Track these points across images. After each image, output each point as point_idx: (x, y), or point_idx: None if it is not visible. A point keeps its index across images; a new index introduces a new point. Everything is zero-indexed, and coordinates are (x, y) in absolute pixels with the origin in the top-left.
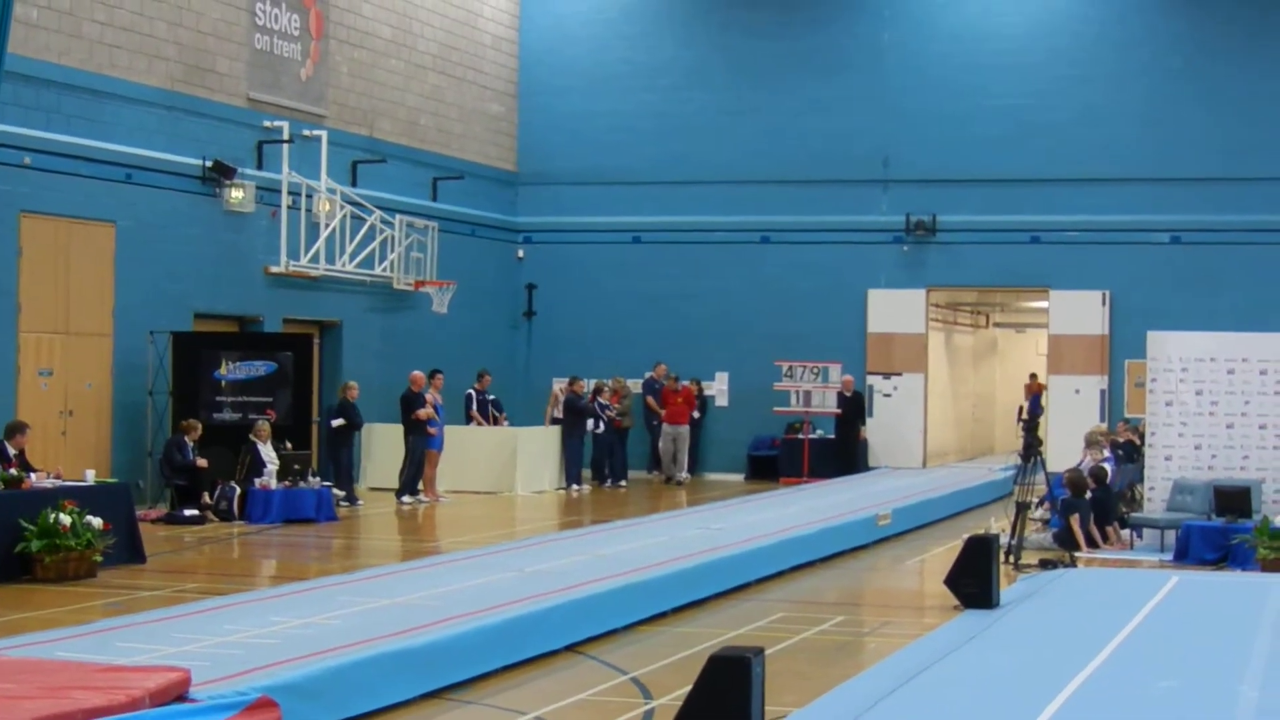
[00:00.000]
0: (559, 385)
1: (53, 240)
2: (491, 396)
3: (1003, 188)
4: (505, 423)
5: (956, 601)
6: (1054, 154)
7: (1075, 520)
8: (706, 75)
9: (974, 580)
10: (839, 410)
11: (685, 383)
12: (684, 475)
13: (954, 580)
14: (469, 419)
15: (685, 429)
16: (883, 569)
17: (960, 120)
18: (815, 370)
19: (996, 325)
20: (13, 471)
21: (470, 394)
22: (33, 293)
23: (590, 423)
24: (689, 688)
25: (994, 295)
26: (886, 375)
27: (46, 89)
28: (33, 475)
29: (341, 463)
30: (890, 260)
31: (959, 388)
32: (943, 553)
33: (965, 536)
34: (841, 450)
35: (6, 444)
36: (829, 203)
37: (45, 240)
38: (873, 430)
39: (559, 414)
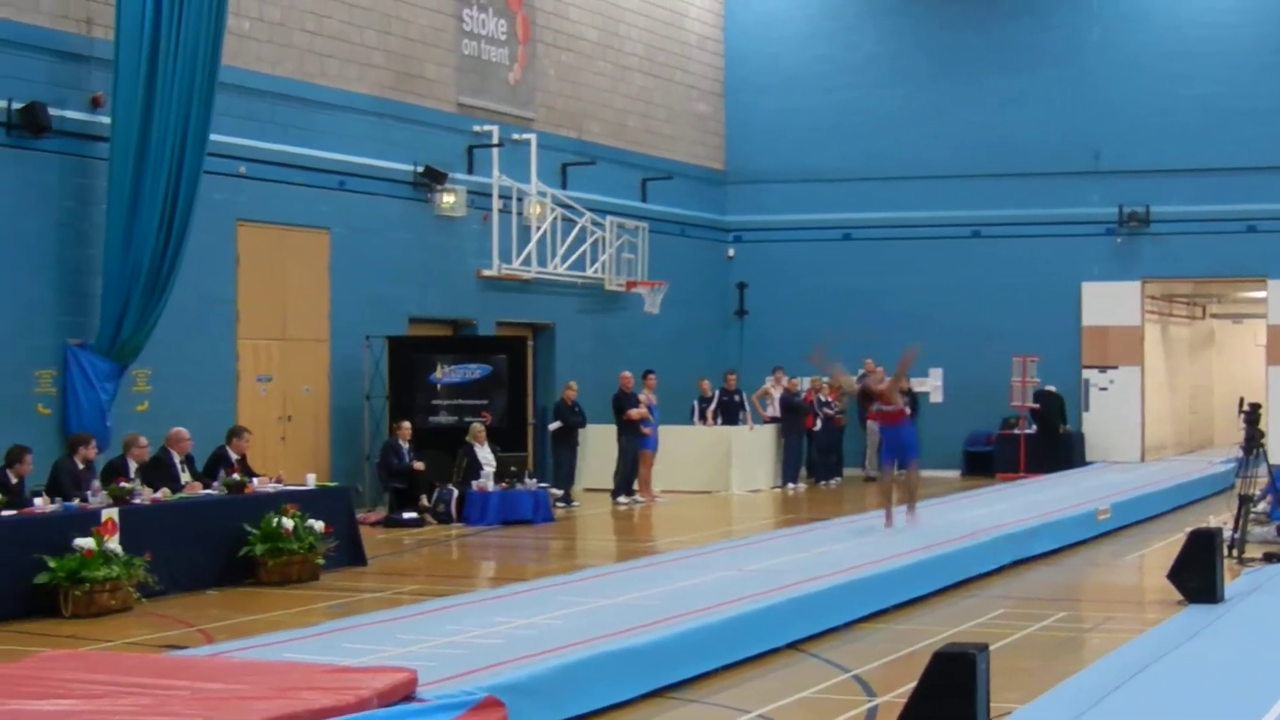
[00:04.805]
0: (769, 381)
1: (269, 248)
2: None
3: (1217, 177)
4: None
5: (1179, 596)
6: (1267, 141)
7: None
8: (909, 69)
9: (1197, 574)
10: (1037, 406)
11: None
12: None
13: (1177, 575)
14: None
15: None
16: (1103, 564)
17: (1168, 109)
18: (1025, 365)
19: (1213, 316)
20: (235, 477)
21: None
22: (250, 300)
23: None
24: (911, 685)
25: (1210, 286)
26: (1102, 369)
27: (259, 99)
28: (255, 480)
29: (563, 464)
30: (1103, 252)
31: (1176, 380)
32: (1164, 547)
33: (1187, 530)
34: (1049, 446)
35: (228, 448)
36: (1039, 195)
37: (262, 248)
38: (1089, 424)
39: (776, 412)
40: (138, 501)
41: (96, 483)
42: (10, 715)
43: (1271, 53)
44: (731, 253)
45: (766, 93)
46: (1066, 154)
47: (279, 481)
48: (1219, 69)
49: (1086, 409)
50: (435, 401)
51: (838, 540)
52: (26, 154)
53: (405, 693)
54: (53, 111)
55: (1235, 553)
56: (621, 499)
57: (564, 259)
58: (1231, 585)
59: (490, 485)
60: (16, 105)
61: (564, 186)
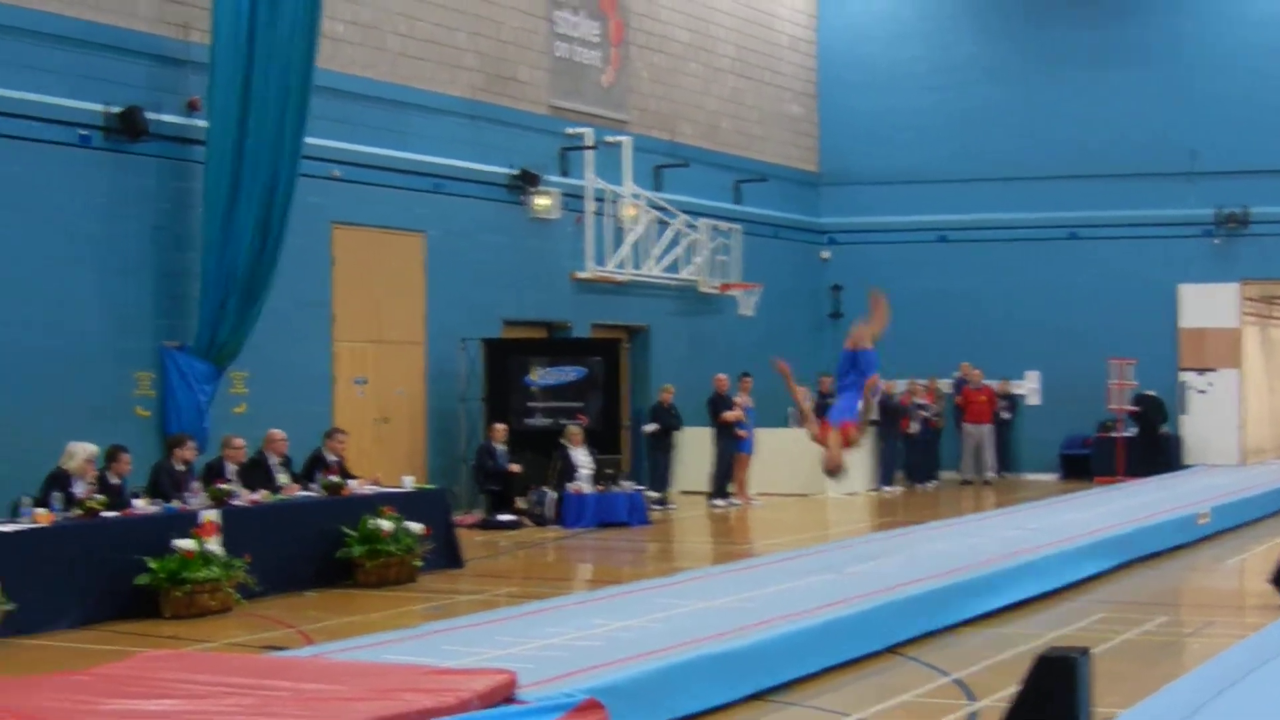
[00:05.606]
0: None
1: (364, 251)
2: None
3: None
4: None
5: None
6: None
7: None
8: (1003, 70)
9: None
10: (1136, 408)
11: (988, 382)
12: (991, 474)
13: (1278, 579)
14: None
15: (988, 428)
16: (1202, 568)
17: (1266, 108)
18: (1121, 367)
19: None
20: (333, 478)
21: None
22: (346, 303)
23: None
24: (1012, 689)
25: None
26: (1200, 371)
27: (353, 102)
28: (352, 482)
29: (659, 466)
30: (1201, 254)
31: (1275, 382)
32: (1264, 551)
33: None
34: (1148, 449)
35: (324, 449)
36: (1136, 197)
37: (357, 251)
38: (1187, 427)
39: (874, 415)
40: (236, 503)
41: (196, 484)
42: (116, 714)
43: None
44: (826, 255)
45: (860, 93)
46: (1163, 155)
47: (376, 483)
48: None
49: (1184, 412)
50: (530, 404)
51: (936, 543)
52: (124, 158)
53: (505, 694)
54: (150, 115)
55: None
56: (717, 501)
57: (658, 261)
58: None
59: (586, 487)
60: (114, 109)
61: (657, 188)
